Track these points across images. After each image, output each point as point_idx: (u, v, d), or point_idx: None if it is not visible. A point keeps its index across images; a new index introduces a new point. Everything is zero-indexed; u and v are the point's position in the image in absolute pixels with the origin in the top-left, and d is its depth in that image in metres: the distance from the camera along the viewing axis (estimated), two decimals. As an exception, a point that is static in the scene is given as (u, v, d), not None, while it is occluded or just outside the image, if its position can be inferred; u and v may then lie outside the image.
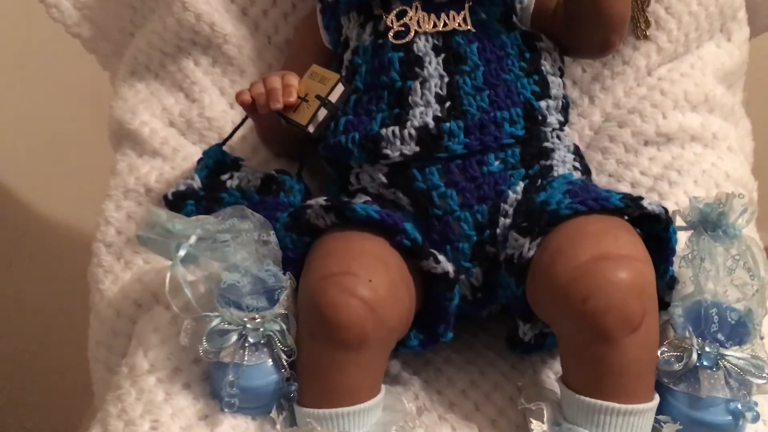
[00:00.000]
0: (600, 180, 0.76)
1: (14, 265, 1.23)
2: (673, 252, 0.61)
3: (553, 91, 0.67)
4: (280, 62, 0.81)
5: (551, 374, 0.66)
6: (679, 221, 0.62)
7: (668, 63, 0.79)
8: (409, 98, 0.65)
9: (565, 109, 0.69)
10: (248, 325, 0.58)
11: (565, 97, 0.70)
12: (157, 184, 0.74)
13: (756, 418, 0.55)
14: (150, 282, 0.69)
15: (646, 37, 0.79)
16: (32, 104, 1.22)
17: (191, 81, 0.80)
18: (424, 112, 0.64)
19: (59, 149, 1.24)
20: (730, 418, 0.55)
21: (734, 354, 0.56)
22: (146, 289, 0.69)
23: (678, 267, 0.62)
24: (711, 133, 0.76)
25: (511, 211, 0.64)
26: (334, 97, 0.64)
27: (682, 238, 0.62)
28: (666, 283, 0.61)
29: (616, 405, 0.54)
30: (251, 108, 0.67)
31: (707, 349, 0.56)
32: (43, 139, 1.23)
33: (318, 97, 0.64)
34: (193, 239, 0.59)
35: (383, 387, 0.59)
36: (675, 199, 0.72)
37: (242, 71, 0.80)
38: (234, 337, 0.58)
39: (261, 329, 0.58)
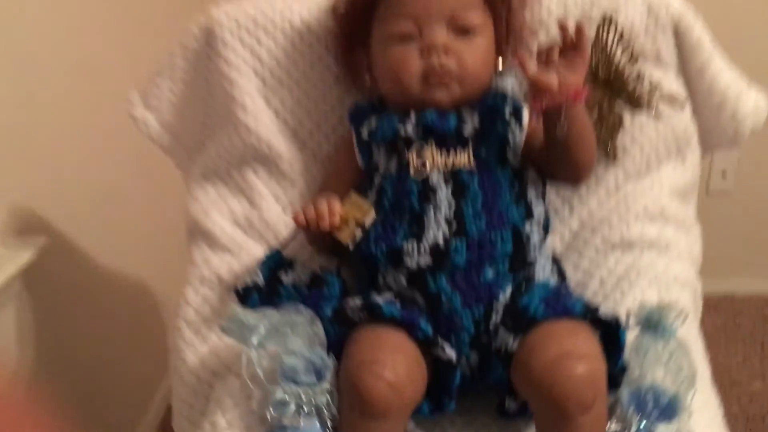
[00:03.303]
0: (576, 276, 0.96)
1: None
2: (622, 348, 0.81)
3: (536, 212, 0.87)
4: (322, 173, 1.01)
5: (530, 434, 0.86)
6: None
7: (632, 181, 0.99)
8: (425, 220, 0.85)
9: (545, 227, 0.89)
10: (303, 397, 0.78)
11: (546, 213, 0.90)
12: (227, 275, 0.94)
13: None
14: (223, 356, 0.89)
15: (615, 158, 0.99)
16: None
17: (252, 188, 0.98)
18: (436, 231, 0.84)
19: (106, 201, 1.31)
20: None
21: (664, 429, 0.75)
22: (221, 361, 0.89)
23: (628, 355, 0.82)
24: (665, 242, 0.95)
25: (501, 310, 0.84)
26: (368, 223, 0.85)
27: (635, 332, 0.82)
28: (618, 369, 0.80)
29: None
30: (304, 226, 0.87)
31: (643, 424, 0.75)
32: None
33: (356, 220, 0.85)
34: (263, 330, 0.80)
35: (402, 443, 0.80)
36: (633, 296, 0.91)
37: (293, 181, 1.00)
38: (293, 407, 0.78)
39: (312, 400, 0.78)
